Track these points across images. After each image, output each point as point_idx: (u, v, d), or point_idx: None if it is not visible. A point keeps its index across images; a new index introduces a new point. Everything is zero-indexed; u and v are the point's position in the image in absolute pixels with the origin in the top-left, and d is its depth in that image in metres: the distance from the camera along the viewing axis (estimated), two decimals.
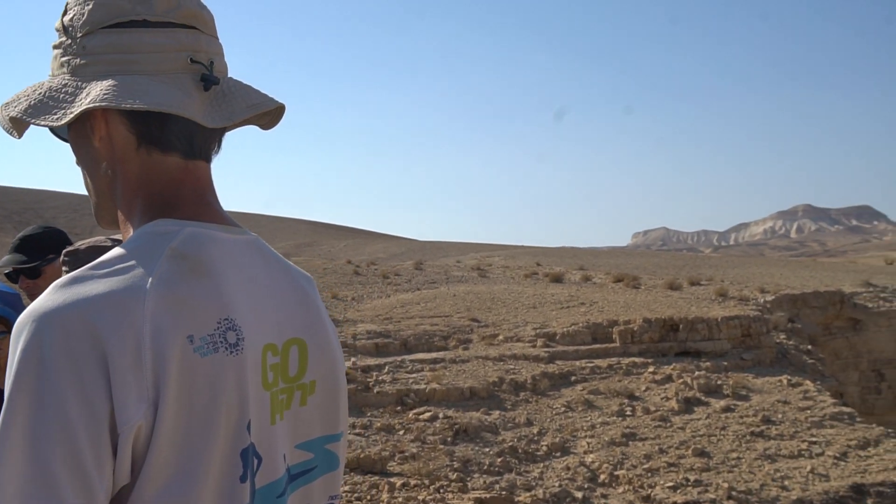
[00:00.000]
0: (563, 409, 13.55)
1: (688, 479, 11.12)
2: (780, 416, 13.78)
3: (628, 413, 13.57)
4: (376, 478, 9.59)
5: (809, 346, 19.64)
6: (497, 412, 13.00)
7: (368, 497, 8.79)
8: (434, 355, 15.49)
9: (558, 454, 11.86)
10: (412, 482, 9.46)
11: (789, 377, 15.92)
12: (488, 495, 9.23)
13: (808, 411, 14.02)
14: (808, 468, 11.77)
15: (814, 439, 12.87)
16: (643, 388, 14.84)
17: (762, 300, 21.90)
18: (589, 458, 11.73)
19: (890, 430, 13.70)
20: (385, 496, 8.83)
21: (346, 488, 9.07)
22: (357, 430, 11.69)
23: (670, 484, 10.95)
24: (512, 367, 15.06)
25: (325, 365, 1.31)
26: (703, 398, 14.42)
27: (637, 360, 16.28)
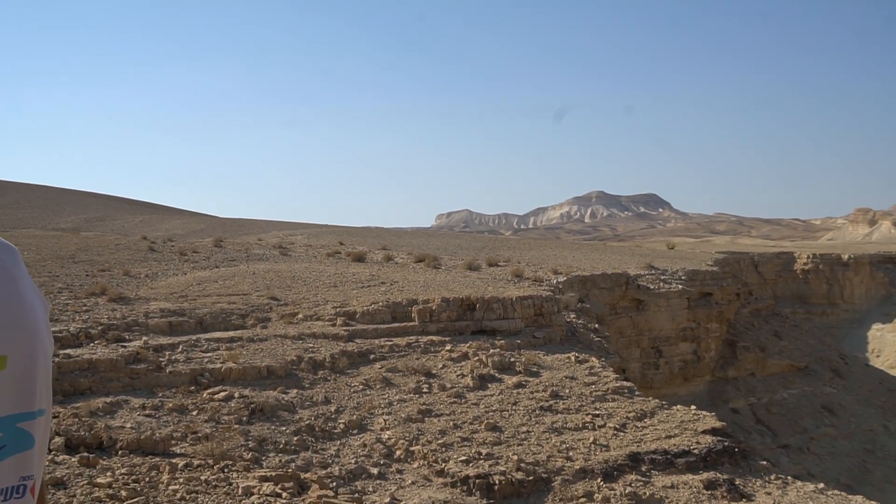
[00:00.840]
0: (361, 387, 13.75)
1: (480, 453, 11.67)
2: (567, 391, 14.73)
3: (425, 390, 14.00)
4: (157, 459, 9.31)
5: (597, 325, 21.09)
6: (295, 391, 13.00)
7: (147, 479, 8.51)
8: (231, 334, 15.20)
9: (355, 432, 12.05)
10: (195, 462, 9.27)
11: (577, 354, 17.04)
12: (274, 473, 9.22)
13: (593, 386, 15.09)
14: (591, 439, 12.69)
15: (597, 412, 13.88)
16: (440, 365, 15.35)
17: (555, 281, 23.23)
18: (386, 435, 12.01)
19: (664, 402, 15.03)
20: (165, 477, 8.59)
21: (124, 471, 8.74)
22: (147, 412, 11.28)
23: (463, 458, 11.45)
24: (311, 345, 15.08)
25: (18, 340, 1.27)
26: (496, 375, 15.14)
27: (435, 338, 16.80)
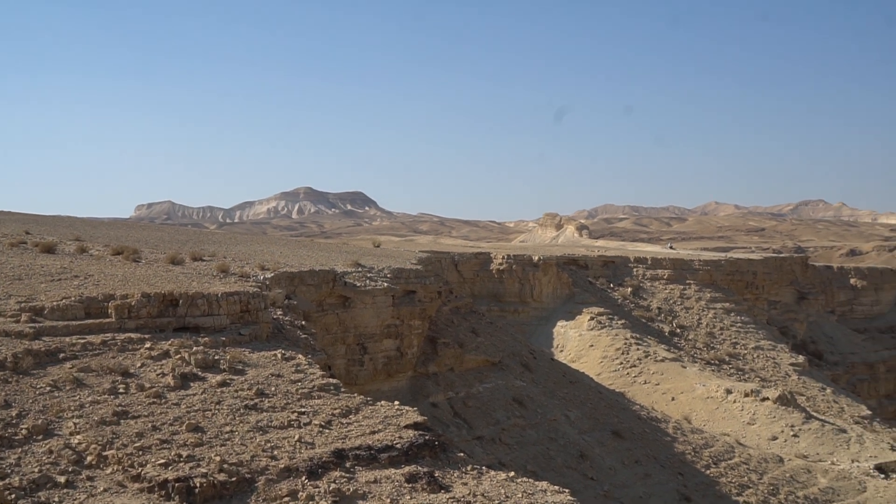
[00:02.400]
0: (48, 388, 12.87)
1: (180, 455, 11.45)
2: (273, 389, 14.84)
3: (122, 391, 13.42)
4: None
5: (303, 322, 21.38)
6: None
7: None
8: None
9: (40, 437, 11.28)
10: None
11: (283, 351, 17.19)
12: None
13: (299, 384, 15.33)
14: (297, 437, 12.93)
15: (303, 410, 14.15)
16: (139, 364, 14.77)
17: (262, 277, 23.18)
18: (76, 440, 11.38)
19: (369, 399, 15.66)
20: None
21: None
22: None
23: (162, 461, 11.17)
24: None
25: None
26: (200, 373, 14.87)
27: (134, 335, 16.10)
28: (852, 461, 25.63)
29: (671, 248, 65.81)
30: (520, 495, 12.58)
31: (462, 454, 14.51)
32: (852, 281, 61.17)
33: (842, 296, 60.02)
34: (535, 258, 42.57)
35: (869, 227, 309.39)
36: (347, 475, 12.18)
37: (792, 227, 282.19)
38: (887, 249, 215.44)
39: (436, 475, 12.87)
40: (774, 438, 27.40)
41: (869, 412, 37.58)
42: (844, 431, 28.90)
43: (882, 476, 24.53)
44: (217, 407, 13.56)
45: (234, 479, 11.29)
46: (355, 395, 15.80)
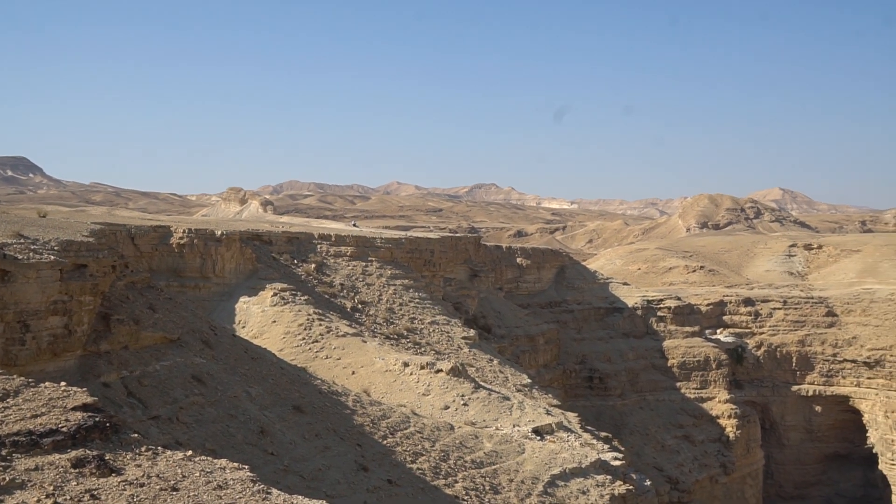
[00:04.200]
0: None
1: None
2: None
3: None
4: None
5: None
6: None
7: None
8: None
9: None
10: None
11: None
12: None
13: None
14: None
15: None
16: None
17: None
18: None
19: (31, 380, 14.53)
20: None
21: None
22: None
23: None
24: None
25: None
26: None
27: None
28: (514, 426, 28.31)
29: (355, 225, 67.65)
30: (197, 474, 12.44)
31: (136, 435, 14.00)
32: (518, 260, 67.03)
33: (509, 274, 65.54)
34: (218, 233, 41.66)
35: (534, 210, 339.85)
36: (5, 463, 11.30)
37: (467, 208, 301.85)
38: (549, 231, 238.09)
39: (106, 458, 12.33)
40: (447, 408, 29.46)
41: (529, 380, 41.56)
42: (508, 399, 31.78)
43: (538, 438, 27.39)
44: None
45: None
46: (15, 376, 14.59)
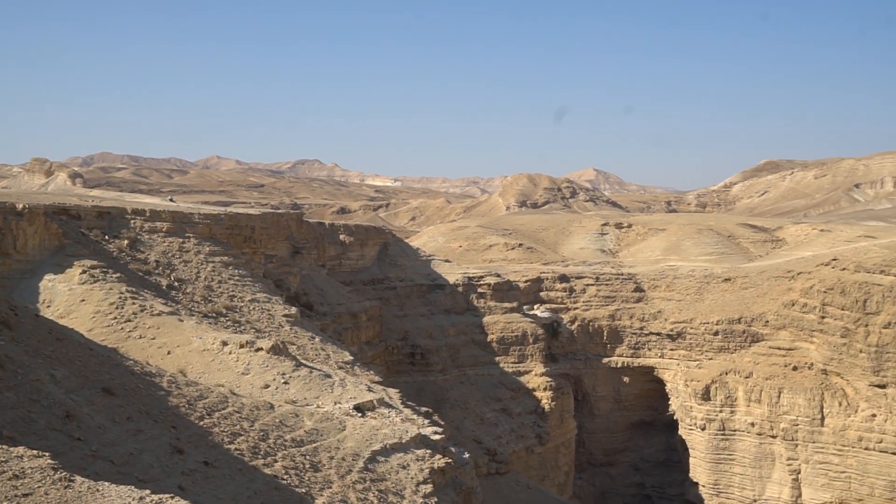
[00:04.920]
0: None
1: None
2: None
3: None
4: None
5: None
6: None
7: None
8: None
9: None
10: None
11: None
12: None
13: None
14: None
15: None
16: None
17: None
18: None
19: None
20: None
21: None
22: None
23: None
24: None
25: None
26: None
27: None
28: (335, 403, 28.39)
29: (171, 200, 65.07)
30: None
31: None
32: (341, 237, 66.91)
33: (332, 251, 65.31)
34: (20, 206, 38.93)
35: (357, 187, 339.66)
36: None
37: (290, 184, 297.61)
38: (372, 209, 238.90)
39: None
40: (267, 386, 29.09)
41: (351, 357, 41.66)
42: (329, 376, 31.80)
43: (360, 415, 27.61)
44: None
45: None
46: None
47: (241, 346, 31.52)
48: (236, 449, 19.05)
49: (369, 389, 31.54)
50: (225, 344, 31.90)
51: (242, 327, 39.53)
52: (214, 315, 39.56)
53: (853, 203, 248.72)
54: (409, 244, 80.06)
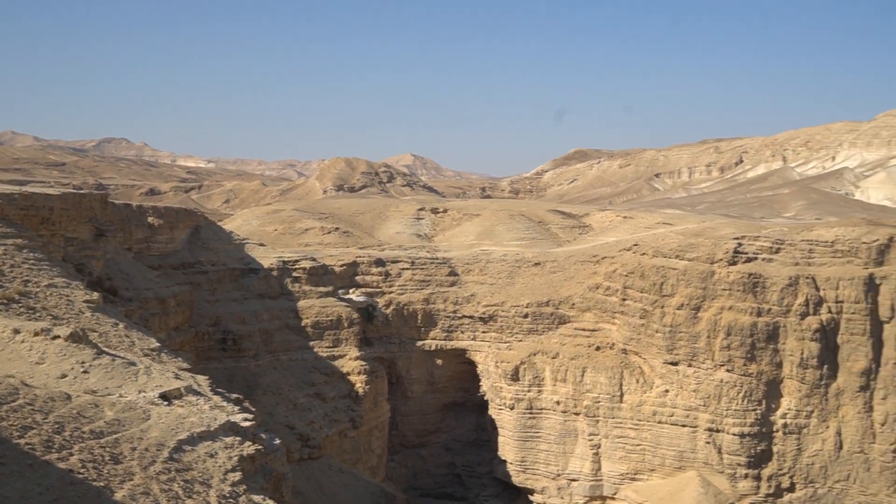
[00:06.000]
0: None
1: None
2: None
3: None
4: None
5: None
6: None
7: None
8: None
9: None
10: None
11: None
12: None
13: None
14: None
15: None
16: None
17: None
18: None
19: None
20: None
21: None
22: None
23: None
24: None
25: None
26: None
27: None
28: (139, 392, 27.35)
29: None
30: None
31: None
32: (150, 219, 64.17)
33: (140, 234, 62.56)
34: None
35: (168, 168, 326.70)
36: None
37: (94, 163, 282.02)
38: (184, 190, 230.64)
39: None
40: (64, 376, 27.60)
41: (158, 344, 40.18)
42: (134, 364, 30.58)
43: (165, 403, 26.77)
44: None
45: None
46: None
47: (36, 335, 29.73)
48: (27, 443, 18.06)
49: (177, 377, 30.63)
50: (17, 332, 29.97)
51: (38, 314, 37.26)
52: (6, 301, 37.05)
53: (653, 192, 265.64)
54: (223, 227, 78.00)
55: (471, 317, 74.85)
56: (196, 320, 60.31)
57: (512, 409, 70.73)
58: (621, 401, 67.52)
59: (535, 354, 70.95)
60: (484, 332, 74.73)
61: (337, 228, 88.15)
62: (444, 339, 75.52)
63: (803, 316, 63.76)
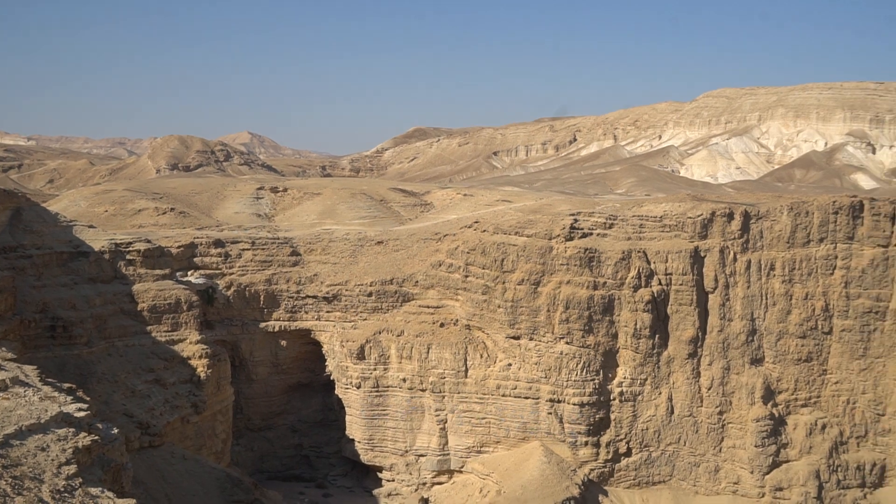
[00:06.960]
0: None
1: None
2: None
3: None
4: None
5: None
6: None
7: None
8: None
9: None
10: None
11: None
12: None
13: None
14: None
15: None
16: None
17: None
18: None
19: None
20: None
21: None
22: None
23: None
24: None
25: None
26: None
27: None
28: None
29: None
30: None
31: None
32: None
33: None
34: None
35: None
36: None
37: None
38: (2, 170, 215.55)
39: None
40: None
41: None
42: None
43: None
44: None
45: None
46: None
47: None
48: None
49: (1, 368, 28.76)
50: None
51: None
52: None
53: (492, 169, 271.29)
54: (47, 209, 73.29)
55: (314, 297, 74.04)
56: (21, 307, 56.49)
57: (358, 387, 70.67)
58: (466, 376, 68.75)
59: (380, 333, 71.08)
60: (328, 311, 74.12)
61: (172, 209, 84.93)
62: (288, 320, 74.38)
63: (636, 288, 66.96)
